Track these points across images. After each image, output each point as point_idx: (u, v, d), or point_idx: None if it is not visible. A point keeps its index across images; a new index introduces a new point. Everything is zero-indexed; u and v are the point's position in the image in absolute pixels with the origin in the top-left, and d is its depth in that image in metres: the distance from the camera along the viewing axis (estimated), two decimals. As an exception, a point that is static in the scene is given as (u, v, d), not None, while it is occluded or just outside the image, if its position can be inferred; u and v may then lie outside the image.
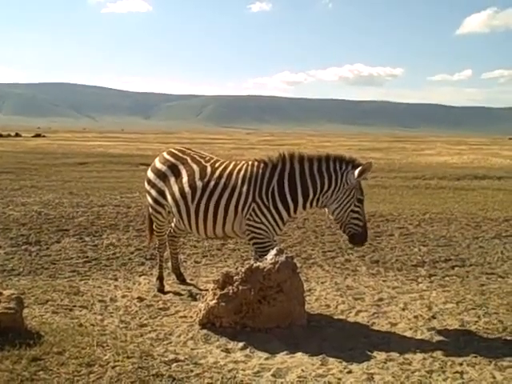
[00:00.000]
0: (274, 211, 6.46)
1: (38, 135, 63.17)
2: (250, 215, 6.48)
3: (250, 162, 6.72)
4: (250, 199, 6.48)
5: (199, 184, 6.66)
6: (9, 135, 58.96)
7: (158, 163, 7.13)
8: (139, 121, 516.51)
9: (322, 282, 7.74)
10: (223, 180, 6.61)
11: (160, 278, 7.37)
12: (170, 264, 7.87)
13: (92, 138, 65.03)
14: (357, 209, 6.44)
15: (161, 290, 7.23)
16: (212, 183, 6.63)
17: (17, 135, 60.32)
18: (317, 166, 6.47)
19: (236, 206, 6.53)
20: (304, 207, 6.63)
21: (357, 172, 6.32)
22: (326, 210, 6.66)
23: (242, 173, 6.60)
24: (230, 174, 6.64)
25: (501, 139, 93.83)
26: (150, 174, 7.17)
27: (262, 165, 6.59)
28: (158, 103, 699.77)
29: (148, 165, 7.48)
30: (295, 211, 6.63)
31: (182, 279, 7.68)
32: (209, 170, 6.75)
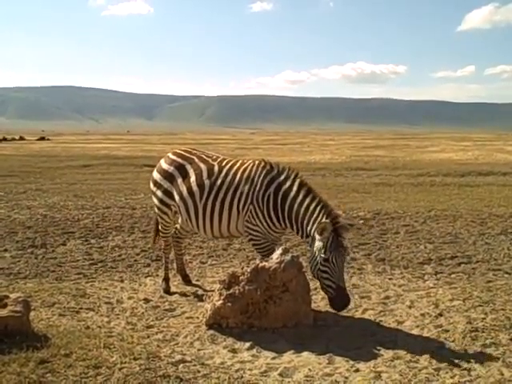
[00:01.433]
0: (267, 217, 6.38)
1: (42, 138, 63.35)
2: (248, 217, 6.47)
3: (256, 162, 6.65)
4: (248, 200, 6.45)
5: (207, 183, 6.66)
6: (13, 139, 59.15)
7: (164, 164, 7.14)
8: (142, 122, 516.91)
9: (328, 281, 7.71)
10: (229, 179, 6.60)
11: (166, 279, 7.37)
12: (175, 265, 7.88)
13: (96, 140, 65.14)
14: (324, 268, 5.87)
15: (167, 291, 7.24)
16: (218, 182, 6.62)
17: (21, 139, 60.48)
18: (306, 204, 6.14)
19: (238, 206, 6.52)
20: (292, 229, 6.38)
21: (317, 231, 5.87)
22: None
23: (247, 173, 6.56)
24: (236, 172, 6.62)
25: (505, 135, 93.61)
26: (156, 175, 7.18)
27: (267, 167, 6.50)
28: (161, 104, 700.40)
29: (153, 166, 7.49)
30: (285, 226, 6.42)
31: (187, 280, 7.68)
32: (216, 168, 6.74)
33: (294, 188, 6.26)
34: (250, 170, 6.56)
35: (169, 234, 7.52)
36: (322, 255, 5.85)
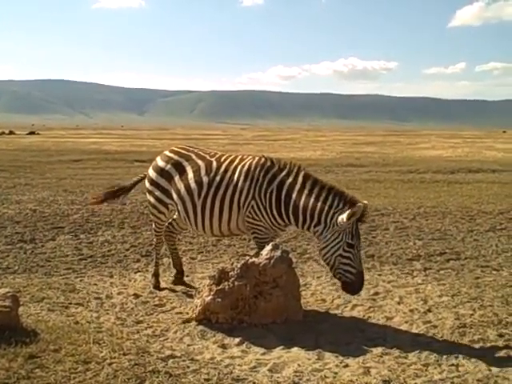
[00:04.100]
0: (269, 213, 6.32)
1: (32, 133, 62.89)
2: (250, 212, 6.39)
3: (256, 158, 6.58)
4: (250, 196, 6.37)
5: (205, 179, 6.56)
6: (3, 133, 58.69)
7: (160, 162, 7.00)
8: (133, 117, 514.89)
9: (318, 277, 7.75)
10: (228, 175, 6.51)
11: (156, 275, 7.33)
12: (166, 260, 7.87)
13: (87, 134, 64.83)
14: (346, 254, 5.88)
15: (156, 286, 7.20)
16: (218, 178, 6.53)
17: (11, 133, 60.04)
18: (316, 193, 6.09)
19: (238, 202, 6.44)
20: (296, 225, 6.32)
21: (345, 215, 5.80)
22: None
23: (246, 168, 6.47)
24: (235, 168, 6.53)
25: (495, 132, 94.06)
26: (153, 174, 7.02)
27: (268, 163, 6.43)
28: (152, 99, 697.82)
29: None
30: (288, 222, 6.34)
31: (180, 277, 7.41)
32: (214, 164, 6.63)
33: (299, 181, 6.21)
34: (250, 166, 6.47)
35: (162, 232, 7.41)
36: (349, 241, 5.86)
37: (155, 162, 7.10)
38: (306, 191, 6.15)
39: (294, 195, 6.20)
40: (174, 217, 7.32)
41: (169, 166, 6.86)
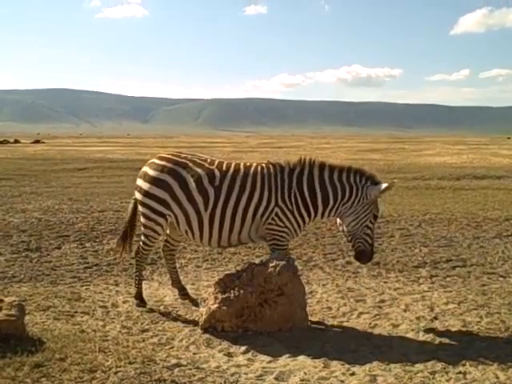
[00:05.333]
0: (297, 215, 6.33)
1: (37, 141, 63.14)
2: (273, 219, 6.29)
3: (263, 165, 6.49)
4: (272, 204, 6.27)
5: (210, 189, 6.27)
6: (8, 142, 58.94)
7: (151, 171, 6.51)
8: (138, 125, 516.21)
9: (324, 285, 7.74)
10: (238, 184, 6.30)
11: (139, 293, 6.86)
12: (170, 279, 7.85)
13: (91, 143, 65.02)
14: (371, 225, 6.51)
15: (141, 306, 6.74)
16: (225, 188, 6.29)
17: (16, 142, 60.30)
18: (337, 176, 6.41)
19: (255, 212, 6.30)
20: (322, 215, 6.49)
21: (381, 188, 6.39)
22: (338, 220, 6.63)
23: (259, 176, 6.35)
24: (245, 177, 6.34)
25: (500, 138, 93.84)
26: (145, 185, 6.51)
27: (278, 168, 6.41)
28: (157, 107, 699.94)
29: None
30: (315, 217, 6.48)
31: (184, 293, 7.11)
32: (217, 173, 6.34)
33: (316, 172, 6.42)
34: (262, 174, 6.37)
35: (153, 249, 7.09)
36: (375, 212, 6.54)
37: (145, 172, 6.60)
38: (327, 179, 6.41)
39: (317, 186, 6.39)
40: (167, 232, 6.95)
41: (164, 175, 6.41)
